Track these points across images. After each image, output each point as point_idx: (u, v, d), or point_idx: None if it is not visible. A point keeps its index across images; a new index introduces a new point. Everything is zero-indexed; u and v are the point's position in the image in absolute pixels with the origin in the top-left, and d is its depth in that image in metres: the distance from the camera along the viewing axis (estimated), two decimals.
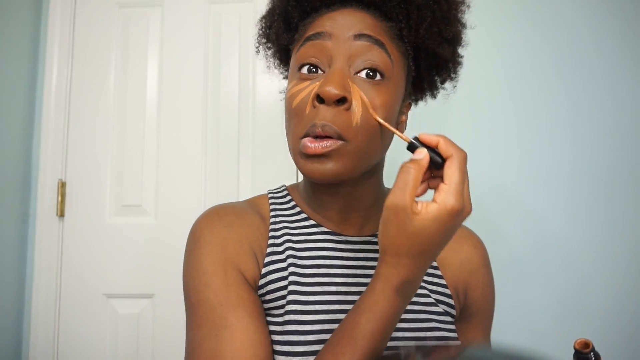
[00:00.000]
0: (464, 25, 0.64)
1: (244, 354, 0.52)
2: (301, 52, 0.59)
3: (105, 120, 1.48)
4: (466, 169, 0.48)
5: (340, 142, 0.54)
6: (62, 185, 1.46)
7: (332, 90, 0.53)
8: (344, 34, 0.56)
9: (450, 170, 0.46)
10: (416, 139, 0.50)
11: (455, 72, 0.66)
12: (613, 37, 1.33)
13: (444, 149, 0.48)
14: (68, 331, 1.41)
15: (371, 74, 0.56)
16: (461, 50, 0.66)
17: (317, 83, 0.56)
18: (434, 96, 0.70)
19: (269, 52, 0.70)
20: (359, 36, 0.56)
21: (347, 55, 0.56)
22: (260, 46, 0.70)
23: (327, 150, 0.54)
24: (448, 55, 0.63)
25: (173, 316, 1.38)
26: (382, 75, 0.56)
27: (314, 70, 0.58)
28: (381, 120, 0.55)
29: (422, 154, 0.48)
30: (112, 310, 1.41)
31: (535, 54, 1.35)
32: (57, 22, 1.49)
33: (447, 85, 0.68)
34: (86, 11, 1.52)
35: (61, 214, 1.44)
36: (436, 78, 0.67)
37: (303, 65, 0.58)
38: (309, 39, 0.58)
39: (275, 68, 0.71)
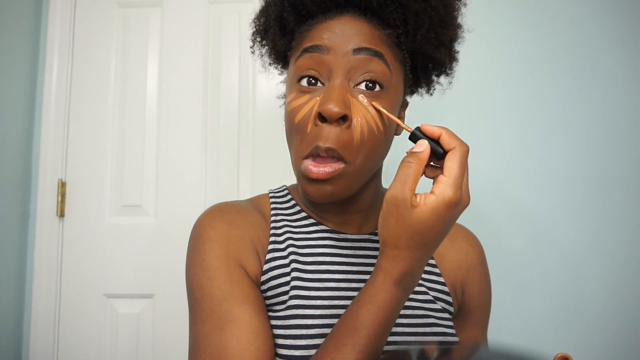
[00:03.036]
0: (460, 27, 0.64)
1: (249, 347, 0.53)
2: (300, 64, 0.58)
3: (105, 120, 1.48)
4: (467, 162, 0.48)
5: (342, 166, 0.55)
6: (62, 185, 1.46)
7: (334, 109, 0.53)
8: (343, 48, 0.56)
9: (451, 162, 0.47)
10: (418, 129, 0.50)
11: (451, 68, 0.67)
12: (607, 34, 1.33)
13: (446, 141, 0.48)
14: (68, 331, 1.41)
15: (370, 85, 0.56)
16: (457, 49, 0.66)
17: (318, 98, 0.56)
18: (430, 93, 0.70)
19: (264, 52, 0.69)
20: (358, 50, 0.56)
21: (346, 69, 0.56)
22: (255, 45, 0.69)
23: (330, 176, 0.55)
24: (444, 57, 0.63)
25: (173, 316, 1.38)
26: (381, 86, 0.56)
27: (313, 82, 0.57)
28: (384, 110, 0.56)
29: (423, 146, 0.49)
30: (112, 310, 1.41)
31: (530, 52, 1.35)
32: (57, 22, 1.50)
33: (443, 80, 0.69)
34: (86, 11, 1.52)
35: (61, 214, 1.45)
36: (433, 73, 0.67)
37: (302, 77, 0.58)
38: (306, 50, 0.58)
39: (272, 65, 0.71)
